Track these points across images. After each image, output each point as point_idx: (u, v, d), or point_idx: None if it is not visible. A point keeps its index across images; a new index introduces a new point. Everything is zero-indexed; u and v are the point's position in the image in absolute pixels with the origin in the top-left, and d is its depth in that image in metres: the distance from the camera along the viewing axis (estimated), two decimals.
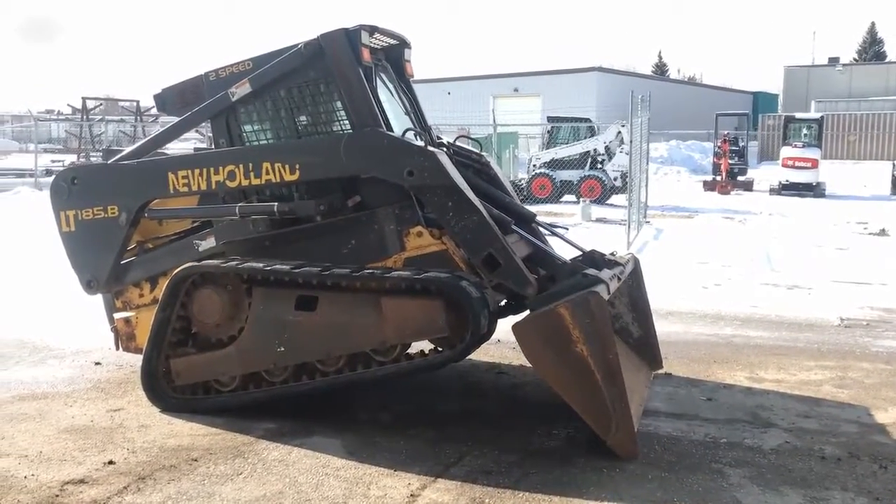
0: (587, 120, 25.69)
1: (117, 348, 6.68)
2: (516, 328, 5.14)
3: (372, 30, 5.98)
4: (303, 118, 6.07)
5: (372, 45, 6.10)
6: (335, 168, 5.73)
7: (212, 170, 5.95)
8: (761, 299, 9.96)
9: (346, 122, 5.86)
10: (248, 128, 6.13)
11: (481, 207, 5.56)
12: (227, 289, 5.83)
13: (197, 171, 5.98)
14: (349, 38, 5.74)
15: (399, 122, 6.30)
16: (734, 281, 11.08)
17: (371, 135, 5.66)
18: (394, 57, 6.54)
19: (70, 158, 34.48)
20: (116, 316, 6.64)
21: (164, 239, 6.71)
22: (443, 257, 5.65)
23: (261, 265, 5.67)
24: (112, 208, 6.27)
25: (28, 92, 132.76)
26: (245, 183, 5.88)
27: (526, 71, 46.00)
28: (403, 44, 6.59)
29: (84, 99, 37.89)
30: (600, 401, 4.97)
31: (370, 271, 5.53)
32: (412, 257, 5.72)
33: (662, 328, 8.54)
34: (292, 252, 5.87)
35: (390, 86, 6.47)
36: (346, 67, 5.74)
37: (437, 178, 5.49)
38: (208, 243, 6.17)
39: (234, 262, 5.79)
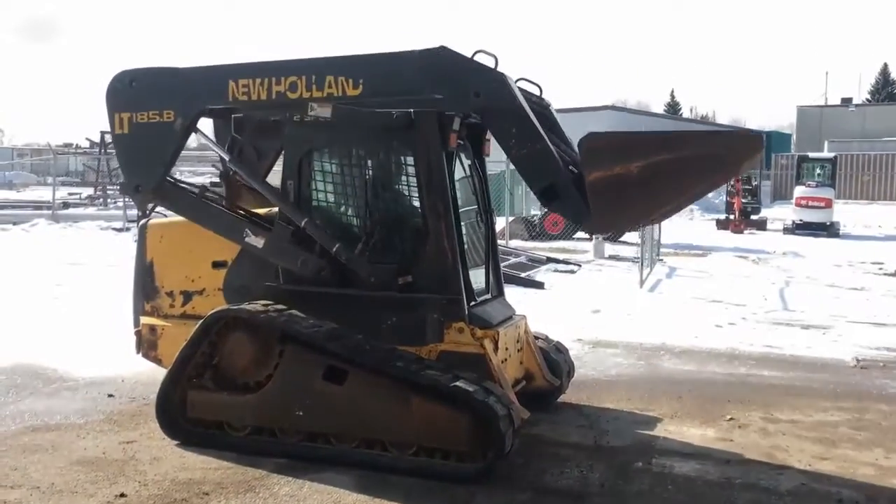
0: None
1: (137, 352, 6.68)
2: (604, 230, 5.08)
3: (465, 116, 5.97)
4: (373, 174, 6.09)
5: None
6: (400, 86, 5.59)
7: (273, 80, 5.82)
8: (776, 339, 9.89)
9: (417, 198, 5.87)
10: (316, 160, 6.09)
11: (545, 136, 5.37)
12: (260, 335, 5.77)
13: (258, 81, 5.86)
14: (441, 122, 5.73)
15: (467, 201, 6.31)
16: (748, 320, 11.02)
17: (440, 53, 5.47)
18: (474, 134, 6.47)
19: (87, 191, 34.88)
20: (143, 320, 6.63)
21: (226, 204, 6.57)
22: (478, 360, 5.60)
23: (298, 324, 5.63)
24: (168, 113, 6.15)
25: (48, 125, 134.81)
26: (306, 95, 5.75)
27: None
28: None
29: (102, 133, 38.33)
30: (697, 160, 4.84)
31: (404, 362, 5.45)
32: (448, 351, 5.68)
33: (676, 367, 8.52)
34: (329, 308, 5.85)
35: (466, 163, 6.40)
36: (431, 149, 5.72)
37: (503, 101, 5.35)
38: (256, 241, 6.10)
39: (271, 315, 5.72)
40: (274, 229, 6.08)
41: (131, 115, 6.25)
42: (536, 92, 6.33)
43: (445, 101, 5.57)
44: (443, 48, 5.47)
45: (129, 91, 6.26)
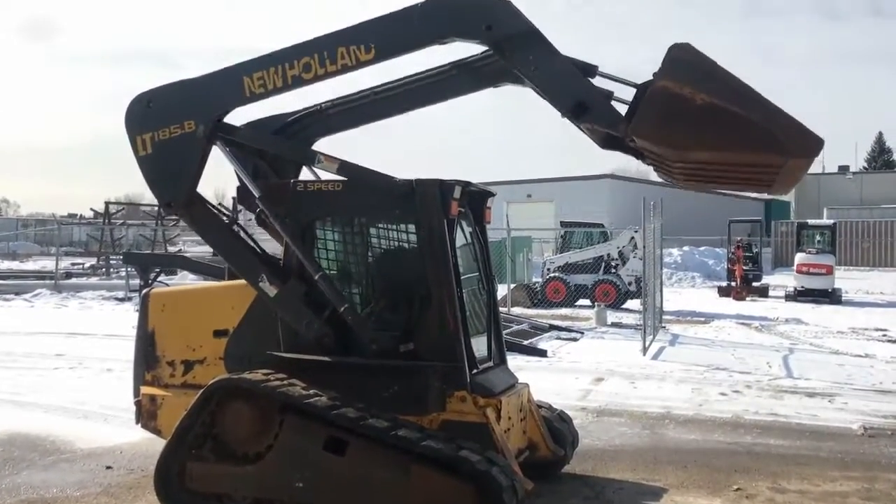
0: (600, 225, 25.96)
1: (137, 422, 6.60)
2: (638, 134, 4.95)
3: (466, 184, 6.07)
4: (375, 242, 6.17)
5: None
6: (410, 40, 5.63)
7: (287, 65, 5.83)
8: (781, 407, 9.78)
9: (418, 266, 5.91)
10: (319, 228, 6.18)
11: (561, 54, 5.38)
12: (260, 405, 5.71)
13: (272, 70, 5.86)
14: (442, 190, 5.82)
15: (469, 268, 6.36)
16: (753, 388, 10.92)
17: None
18: (475, 203, 6.54)
19: (90, 261, 35.04)
20: (143, 389, 6.56)
21: (251, 241, 6.51)
22: (480, 430, 5.55)
23: (298, 394, 5.57)
24: (189, 123, 6.11)
25: (53, 195, 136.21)
26: (321, 72, 5.77)
27: (539, 178, 46.92)
28: (488, 193, 6.66)
29: (107, 203, 38.82)
30: (754, 127, 4.73)
31: (406, 432, 5.37)
32: (450, 420, 5.63)
33: (681, 435, 8.41)
34: (330, 377, 5.80)
35: (467, 231, 6.47)
36: (432, 218, 5.81)
37: (515, 25, 5.36)
38: (269, 289, 6.05)
39: (272, 384, 5.67)
40: (289, 283, 6.06)
41: (153, 134, 6.23)
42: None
43: (459, 41, 5.59)
44: None
45: (148, 111, 6.27)
